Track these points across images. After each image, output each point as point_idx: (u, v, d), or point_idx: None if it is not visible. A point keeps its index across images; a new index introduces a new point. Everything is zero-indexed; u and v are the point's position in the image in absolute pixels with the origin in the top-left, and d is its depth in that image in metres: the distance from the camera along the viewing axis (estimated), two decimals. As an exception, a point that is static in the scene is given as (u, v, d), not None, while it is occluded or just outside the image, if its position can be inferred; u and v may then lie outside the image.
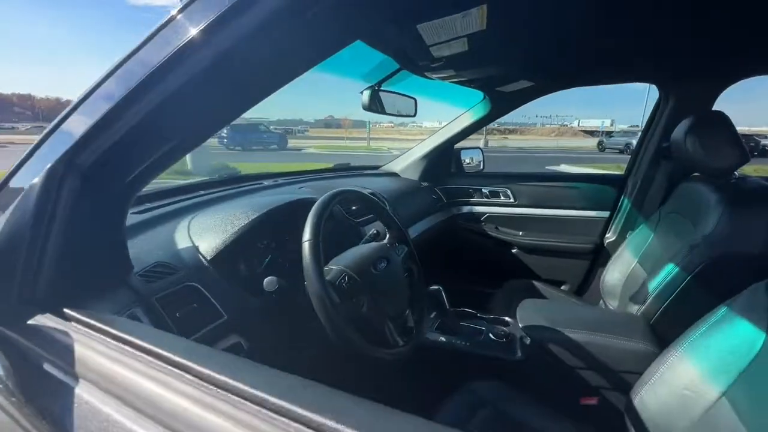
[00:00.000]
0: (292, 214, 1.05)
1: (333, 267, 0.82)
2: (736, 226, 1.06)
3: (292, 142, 22.01)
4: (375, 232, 1.11)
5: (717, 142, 1.16)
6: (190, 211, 1.05)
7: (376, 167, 2.29)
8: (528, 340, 1.11)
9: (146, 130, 0.51)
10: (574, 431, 0.93)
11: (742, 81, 1.52)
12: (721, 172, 1.18)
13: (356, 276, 0.80)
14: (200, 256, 0.82)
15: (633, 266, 1.44)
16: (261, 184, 1.48)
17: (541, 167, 14.06)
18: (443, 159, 2.17)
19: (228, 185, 1.41)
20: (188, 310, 0.71)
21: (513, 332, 1.21)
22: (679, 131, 1.28)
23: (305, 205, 0.95)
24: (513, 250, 2.06)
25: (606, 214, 1.87)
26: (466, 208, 2.17)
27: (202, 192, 1.27)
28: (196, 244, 0.84)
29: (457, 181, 2.20)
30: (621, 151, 20.59)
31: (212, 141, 19.12)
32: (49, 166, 0.52)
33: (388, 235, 1.05)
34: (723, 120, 1.17)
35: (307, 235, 0.76)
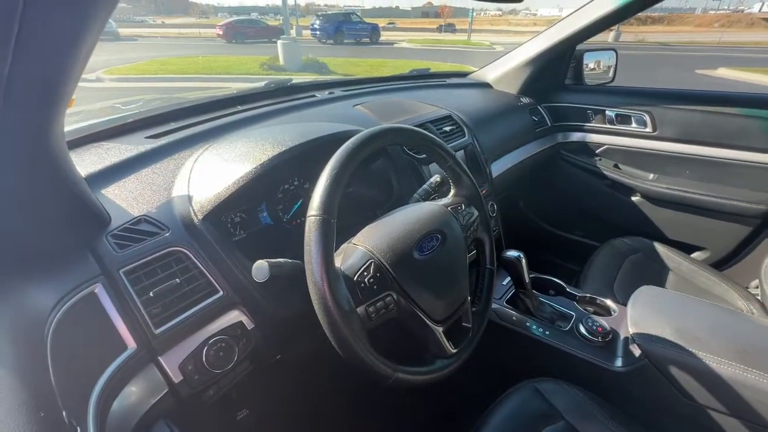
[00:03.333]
0: (328, 150, 0.80)
1: (358, 246, 0.57)
2: None
3: (384, 35, 20.46)
4: (438, 180, 0.81)
5: None
6: (215, 136, 0.86)
7: (464, 74, 1.82)
8: (637, 351, 0.79)
9: None
10: None
11: None
12: None
13: (389, 267, 0.55)
14: (191, 211, 0.63)
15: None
16: (313, 96, 1.22)
17: (688, 71, 10.95)
18: (556, 65, 1.61)
19: (273, 98, 1.18)
20: (168, 287, 0.55)
21: (615, 329, 0.89)
22: None
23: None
24: (634, 198, 1.56)
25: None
26: (576, 136, 1.66)
27: (240, 107, 1.06)
28: (191, 193, 0.65)
29: (571, 98, 1.65)
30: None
31: (306, 33, 18.74)
32: None
33: (453, 191, 0.75)
34: None
35: (315, 204, 0.51)
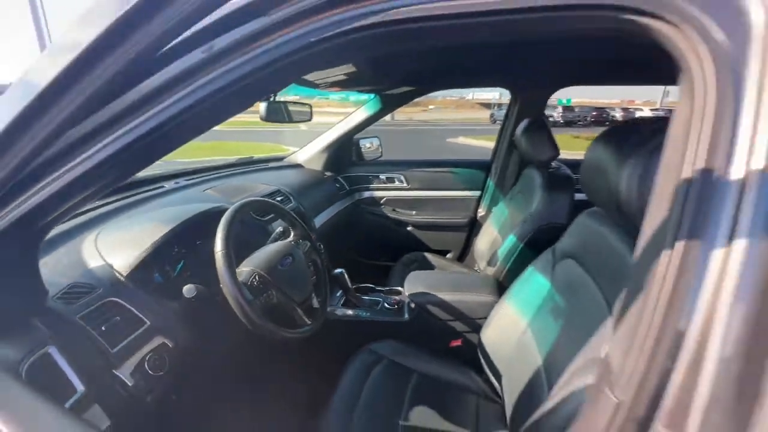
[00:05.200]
0: (202, 222, 1.15)
1: (245, 268, 0.97)
2: (550, 204, 1.47)
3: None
4: (281, 230, 1.27)
5: (539, 140, 1.56)
6: (91, 226, 1.08)
7: (280, 158, 2.37)
8: (413, 305, 1.41)
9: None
10: (446, 366, 1.26)
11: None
12: (542, 163, 1.59)
13: (266, 274, 0.97)
14: (116, 273, 0.89)
15: (495, 235, 1.85)
16: (162, 187, 1.49)
17: (443, 140, 15.15)
18: (344, 149, 2.36)
19: (127, 191, 1.40)
20: (112, 323, 0.81)
21: (403, 300, 1.50)
22: (519, 129, 1.67)
23: (215, 214, 1.07)
24: (408, 228, 2.38)
25: (478, 193, 2.28)
26: (367, 194, 2.42)
27: (99, 203, 1.26)
28: (110, 262, 0.91)
29: (358, 169, 2.41)
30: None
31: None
32: None
33: (292, 234, 1.22)
34: (543, 124, 1.57)
35: (218, 246, 0.90)
